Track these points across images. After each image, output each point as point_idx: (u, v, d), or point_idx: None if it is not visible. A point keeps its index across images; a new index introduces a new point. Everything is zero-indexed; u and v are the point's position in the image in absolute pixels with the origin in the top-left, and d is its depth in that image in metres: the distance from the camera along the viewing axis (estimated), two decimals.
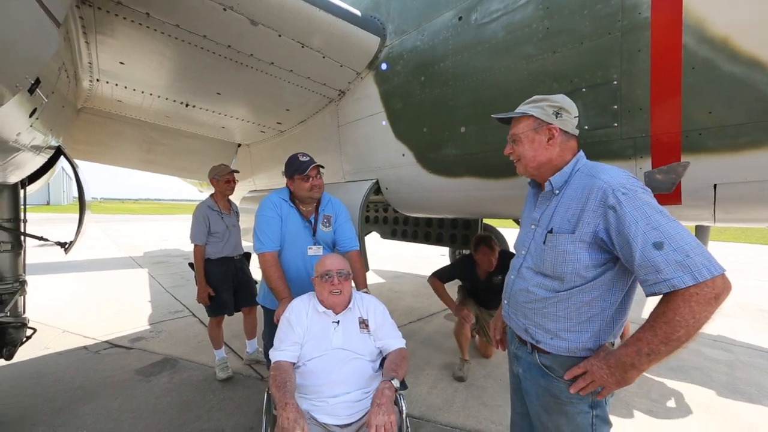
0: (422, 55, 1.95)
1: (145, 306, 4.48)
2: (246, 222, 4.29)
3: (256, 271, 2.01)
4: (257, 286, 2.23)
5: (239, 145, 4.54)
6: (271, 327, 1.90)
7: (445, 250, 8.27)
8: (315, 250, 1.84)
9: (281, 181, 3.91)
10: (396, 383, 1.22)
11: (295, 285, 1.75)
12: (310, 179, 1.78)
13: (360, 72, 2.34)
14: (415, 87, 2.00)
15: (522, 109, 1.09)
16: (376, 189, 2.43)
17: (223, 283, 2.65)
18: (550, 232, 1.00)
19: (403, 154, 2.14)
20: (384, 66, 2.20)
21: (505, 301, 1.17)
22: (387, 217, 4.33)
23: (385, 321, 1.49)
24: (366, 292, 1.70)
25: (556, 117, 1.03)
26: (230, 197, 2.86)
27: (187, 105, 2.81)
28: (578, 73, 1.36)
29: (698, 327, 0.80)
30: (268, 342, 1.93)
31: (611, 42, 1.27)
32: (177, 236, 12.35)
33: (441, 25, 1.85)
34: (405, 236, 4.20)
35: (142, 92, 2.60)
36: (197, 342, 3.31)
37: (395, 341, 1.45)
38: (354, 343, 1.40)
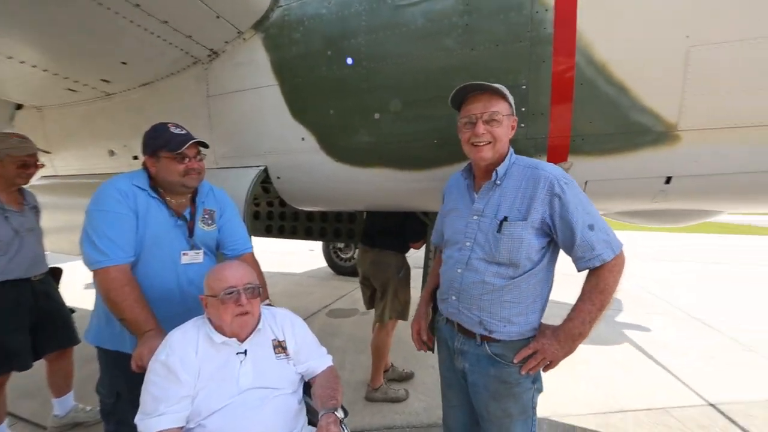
0: (329, 25, 1.71)
1: None
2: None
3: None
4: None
5: (19, 107, 3.05)
6: (116, 377, 1.29)
7: (315, 245, 8.04)
8: (192, 256, 1.36)
9: (106, 164, 2.84)
10: (340, 413, 1.00)
11: (162, 306, 1.24)
12: (186, 160, 1.29)
13: (243, 31, 1.87)
14: (320, 61, 1.73)
15: (502, 89, 1.05)
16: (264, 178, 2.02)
17: (13, 322, 1.69)
18: (505, 220, 1.01)
19: (303, 138, 1.84)
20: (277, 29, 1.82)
21: (453, 297, 1.12)
22: (259, 212, 3.78)
23: (306, 338, 1.22)
24: (269, 305, 1.37)
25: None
26: (23, 186, 1.87)
27: None
28: (494, 74, 1.44)
29: (616, 291, 0.98)
30: (112, 400, 1.32)
31: (522, 49, 1.40)
32: None
33: None
34: (282, 232, 3.76)
35: None
36: None
37: (321, 360, 1.21)
38: (270, 375, 1.08)
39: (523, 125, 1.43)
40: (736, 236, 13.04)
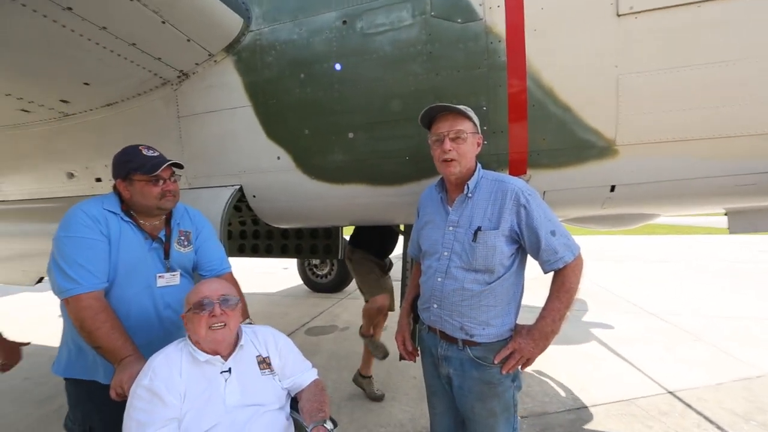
0: (301, 50, 1.78)
1: None
2: None
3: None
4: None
5: None
6: (89, 411, 1.24)
7: (288, 263, 7.89)
8: (168, 279, 1.35)
9: (63, 187, 2.71)
10: (329, 425, 1.02)
11: (140, 332, 1.22)
12: (161, 183, 1.29)
13: (214, 54, 1.90)
14: (293, 84, 1.80)
15: (467, 110, 1.16)
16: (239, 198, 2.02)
17: None
18: (479, 230, 1.11)
19: (279, 157, 1.88)
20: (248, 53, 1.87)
21: (435, 305, 1.19)
22: (232, 231, 3.70)
23: (290, 353, 1.25)
24: (249, 323, 1.38)
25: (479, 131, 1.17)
26: None
27: None
28: (457, 96, 1.57)
29: (578, 288, 1.09)
30: None
31: (481, 75, 1.55)
32: None
33: (323, 24, 1.74)
34: (256, 251, 3.69)
35: None
36: None
37: (307, 374, 1.23)
38: (256, 392, 1.09)
39: (486, 142, 1.57)
40: (678, 236, 14.34)
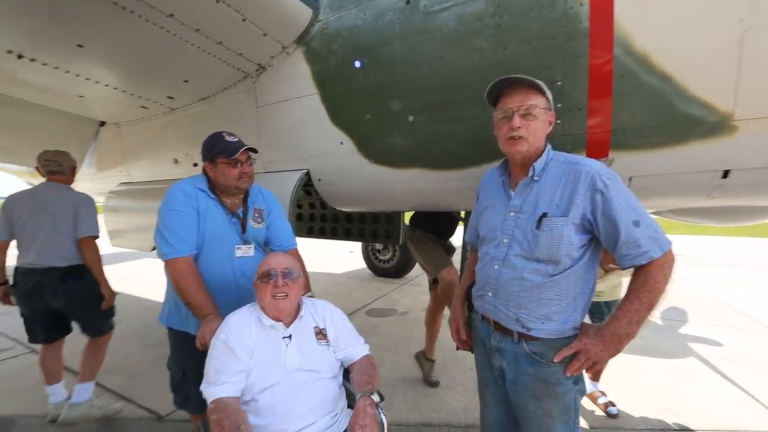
0: (365, 35, 1.81)
1: None
2: (115, 222, 3.36)
3: None
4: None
5: (102, 124, 3.52)
6: (184, 356, 1.48)
7: (354, 247, 8.25)
8: (245, 250, 1.51)
9: (171, 171, 3.19)
10: (376, 397, 1.07)
11: (220, 295, 1.40)
12: (239, 165, 1.44)
13: (287, 46, 2.04)
14: (357, 69, 1.84)
15: (540, 83, 1.06)
16: (306, 181, 2.17)
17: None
18: (544, 216, 1.01)
19: (342, 143, 1.95)
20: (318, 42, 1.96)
21: (490, 293, 1.13)
22: (302, 213, 4.00)
23: (344, 327, 1.31)
24: (311, 296, 1.48)
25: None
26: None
27: (20, 56, 1.97)
28: (528, 71, 1.42)
29: (666, 290, 0.94)
30: (180, 376, 1.50)
31: (556, 46, 1.38)
32: None
33: (386, 6, 1.73)
34: (323, 233, 3.94)
35: None
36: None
37: (359, 348, 1.29)
38: (313, 359, 1.18)
39: (559, 121, 1.42)
40: None
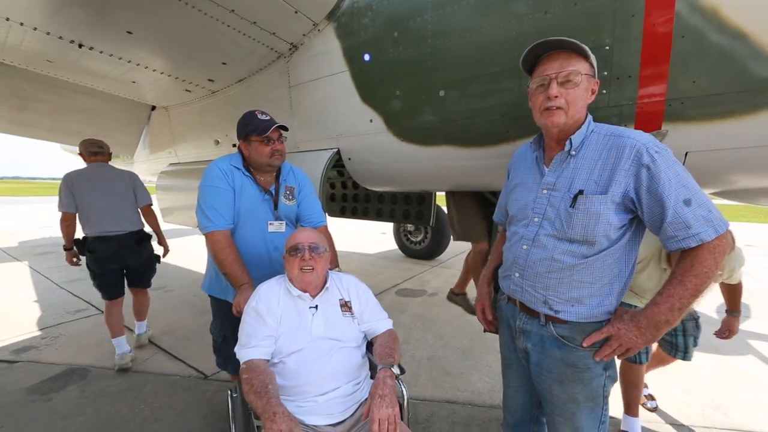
0: (395, 7, 1.74)
1: (30, 307, 3.59)
2: (166, 201, 3.63)
3: None
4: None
5: (153, 108, 3.78)
6: (224, 321, 1.60)
7: (386, 228, 8.32)
8: (277, 226, 1.58)
9: (213, 152, 3.36)
10: (396, 370, 1.09)
11: (254, 268, 1.48)
12: (272, 143, 1.49)
13: (318, 23, 2.03)
14: (386, 44, 1.79)
15: (583, 46, 0.96)
16: (337, 160, 2.19)
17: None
18: (580, 193, 0.94)
19: (371, 120, 1.94)
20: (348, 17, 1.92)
21: (516, 274, 1.09)
22: (335, 194, 4.08)
23: (369, 301, 1.34)
24: (339, 271, 1.52)
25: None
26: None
27: (80, 45, 2.15)
28: (571, 36, 1.31)
29: (715, 276, 0.85)
30: (220, 340, 1.64)
31: (605, 5, 1.24)
32: None
33: None
34: (355, 213, 4.01)
35: (7, 20, 1.89)
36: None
37: (383, 323, 1.32)
38: (337, 329, 1.23)
39: (604, 91, 1.29)
40: None
